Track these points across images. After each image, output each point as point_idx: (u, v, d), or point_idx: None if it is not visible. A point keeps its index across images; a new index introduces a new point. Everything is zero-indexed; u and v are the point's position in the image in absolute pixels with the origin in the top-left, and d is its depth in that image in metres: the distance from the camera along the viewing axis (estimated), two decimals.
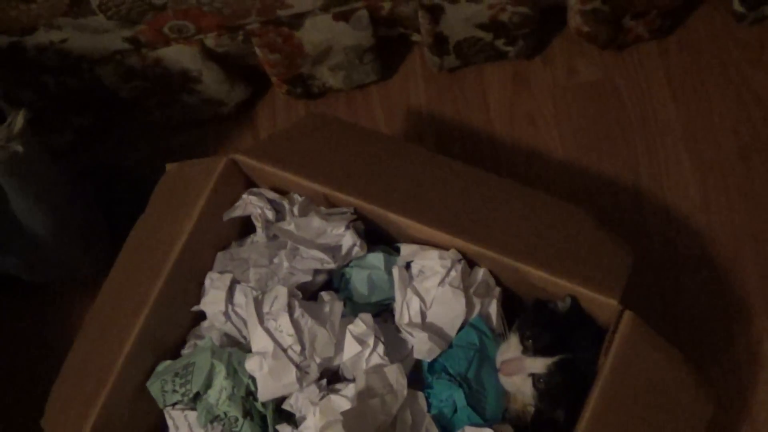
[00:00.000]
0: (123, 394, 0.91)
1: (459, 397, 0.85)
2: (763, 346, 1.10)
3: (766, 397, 1.08)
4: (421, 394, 0.87)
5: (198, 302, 0.95)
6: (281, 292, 0.87)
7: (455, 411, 0.86)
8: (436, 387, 0.87)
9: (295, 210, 0.94)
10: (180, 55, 1.14)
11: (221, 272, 0.94)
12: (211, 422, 0.91)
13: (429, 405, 0.87)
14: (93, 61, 1.14)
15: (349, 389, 0.85)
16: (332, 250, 0.91)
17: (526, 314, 0.90)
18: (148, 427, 0.95)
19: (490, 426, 0.84)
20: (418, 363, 0.90)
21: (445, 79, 1.32)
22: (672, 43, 1.27)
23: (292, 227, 0.93)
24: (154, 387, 0.92)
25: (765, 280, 1.13)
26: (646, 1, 1.14)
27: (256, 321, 0.86)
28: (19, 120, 0.92)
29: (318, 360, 0.86)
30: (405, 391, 0.84)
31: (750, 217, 1.16)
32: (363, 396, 0.83)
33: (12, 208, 1.04)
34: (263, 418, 0.90)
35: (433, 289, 0.88)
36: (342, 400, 0.84)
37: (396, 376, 0.85)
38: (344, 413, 0.81)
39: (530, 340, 0.86)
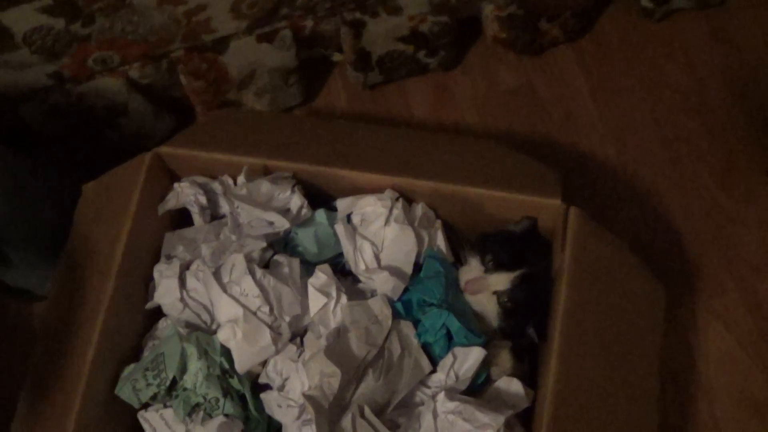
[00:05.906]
0: (94, 408, 0.88)
1: (451, 321, 0.84)
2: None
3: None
4: (407, 323, 0.86)
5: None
6: (238, 259, 0.87)
7: (450, 338, 0.84)
8: (426, 320, 0.85)
9: (240, 179, 0.94)
10: (105, 89, 1.14)
11: (168, 262, 0.93)
12: (189, 414, 0.88)
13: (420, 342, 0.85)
14: (15, 99, 1.13)
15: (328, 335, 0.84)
16: (282, 213, 0.91)
17: (480, 238, 0.92)
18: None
19: (483, 344, 0.84)
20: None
21: (369, 96, 1.33)
22: (587, 43, 1.29)
23: (244, 192, 0.93)
24: (124, 391, 0.89)
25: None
26: (558, 2, 1.19)
27: (220, 290, 0.86)
28: None
29: (287, 318, 0.85)
30: (390, 321, 0.84)
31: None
32: (345, 329, 0.83)
33: None
34: (242, 397, 0.88)
35: (380, 231, 0.89)
36: (323, 340, 0.84)
37: (380, 307, 0.85)
38: (327, 346, 0.81)
39: (490, 260, 0.87)
